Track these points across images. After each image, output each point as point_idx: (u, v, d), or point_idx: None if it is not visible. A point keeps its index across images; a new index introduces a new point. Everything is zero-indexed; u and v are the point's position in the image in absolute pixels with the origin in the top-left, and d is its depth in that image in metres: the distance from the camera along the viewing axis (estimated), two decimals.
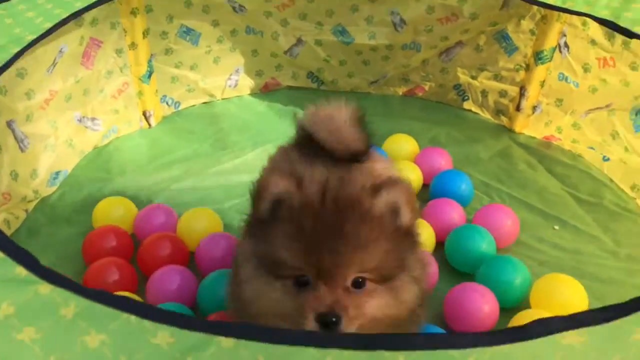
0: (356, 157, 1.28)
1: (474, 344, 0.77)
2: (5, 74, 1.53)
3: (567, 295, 1.51)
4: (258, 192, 1.10)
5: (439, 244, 1.73)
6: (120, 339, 0.75)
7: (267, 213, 1.07)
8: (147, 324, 0.76)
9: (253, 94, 2.55)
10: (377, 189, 1.06)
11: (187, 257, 1.67)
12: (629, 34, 1.78)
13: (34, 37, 1.55)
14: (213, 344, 0.74)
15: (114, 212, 1.79)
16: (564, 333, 0.81)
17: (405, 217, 1.07)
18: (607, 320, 0.83)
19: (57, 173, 1.97)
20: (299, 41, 2.46)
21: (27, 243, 1.73)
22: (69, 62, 1.91)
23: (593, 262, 1.75)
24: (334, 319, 0.97)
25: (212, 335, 0.75)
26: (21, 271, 0.84)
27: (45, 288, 0.81)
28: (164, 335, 0.75)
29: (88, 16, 1.89)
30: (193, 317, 0.83)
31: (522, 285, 1.56)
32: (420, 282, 1.12)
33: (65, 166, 2.01)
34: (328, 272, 0.99)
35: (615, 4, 1.89)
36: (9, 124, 1.75)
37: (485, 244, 1.65)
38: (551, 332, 0.81)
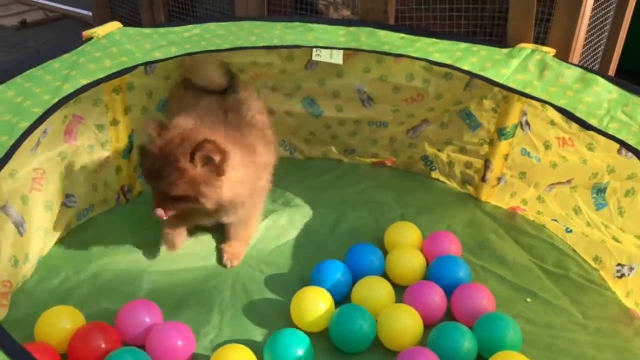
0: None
1: None
2: None
3: None
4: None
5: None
6: None
7: None
8: None
9: None
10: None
11: None
12: (584, 125, 1.89)
13: (26, 123, 1.53)
14: None
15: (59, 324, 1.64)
16: None
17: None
18: None
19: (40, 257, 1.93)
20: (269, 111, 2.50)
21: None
22: (52, 140, 1.89)
23: (565, 336, 1.82)
24: None
25: None
26: None
27: None
28: None
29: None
30: None
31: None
32: None
33: (44, 249, 1.96)
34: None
35: (570, 93, 2.03)
36: (3, 209, 1.71)
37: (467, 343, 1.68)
38: None
